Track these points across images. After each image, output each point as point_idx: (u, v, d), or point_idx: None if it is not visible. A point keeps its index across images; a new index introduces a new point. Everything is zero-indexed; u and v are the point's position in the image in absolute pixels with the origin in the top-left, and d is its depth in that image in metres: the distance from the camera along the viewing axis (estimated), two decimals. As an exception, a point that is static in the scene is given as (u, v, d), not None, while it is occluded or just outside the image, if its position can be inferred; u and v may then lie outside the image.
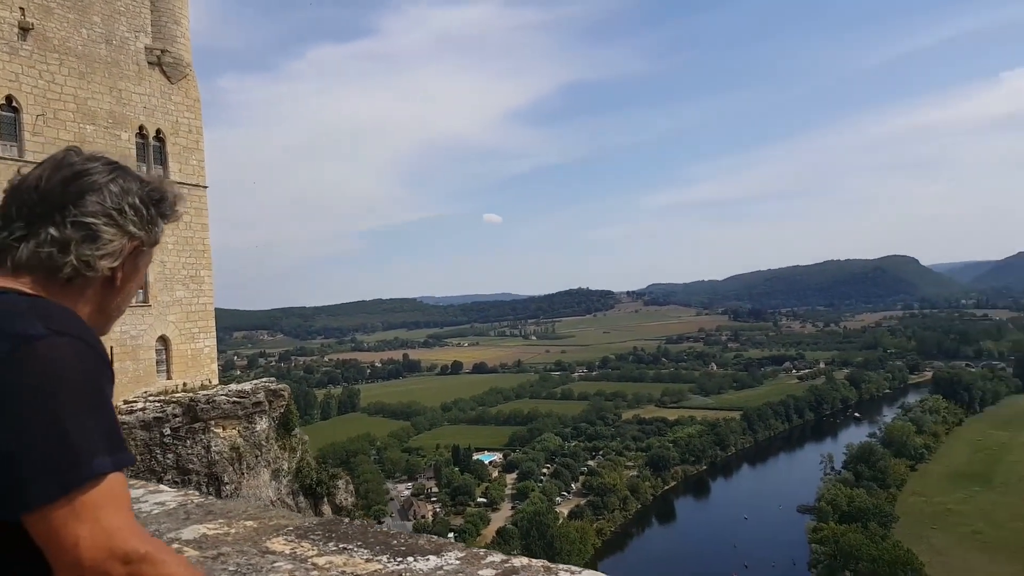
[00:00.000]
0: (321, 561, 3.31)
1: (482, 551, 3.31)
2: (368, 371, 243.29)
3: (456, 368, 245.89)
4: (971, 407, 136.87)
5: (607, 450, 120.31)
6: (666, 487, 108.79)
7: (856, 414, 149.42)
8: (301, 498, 26.83)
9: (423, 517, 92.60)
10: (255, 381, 29.13)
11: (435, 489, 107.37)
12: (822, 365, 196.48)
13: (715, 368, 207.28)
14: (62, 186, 1.45)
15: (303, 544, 3.61)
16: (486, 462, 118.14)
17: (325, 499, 27.67)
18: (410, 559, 3.24)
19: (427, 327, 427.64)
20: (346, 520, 4.07)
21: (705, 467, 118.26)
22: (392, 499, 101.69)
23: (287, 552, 3.50)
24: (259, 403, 25.93)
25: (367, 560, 3.30)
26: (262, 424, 26.03)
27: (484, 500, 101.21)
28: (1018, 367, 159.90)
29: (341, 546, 3.55)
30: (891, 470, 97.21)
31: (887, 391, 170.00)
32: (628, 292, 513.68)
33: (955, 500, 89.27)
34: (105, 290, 1.53)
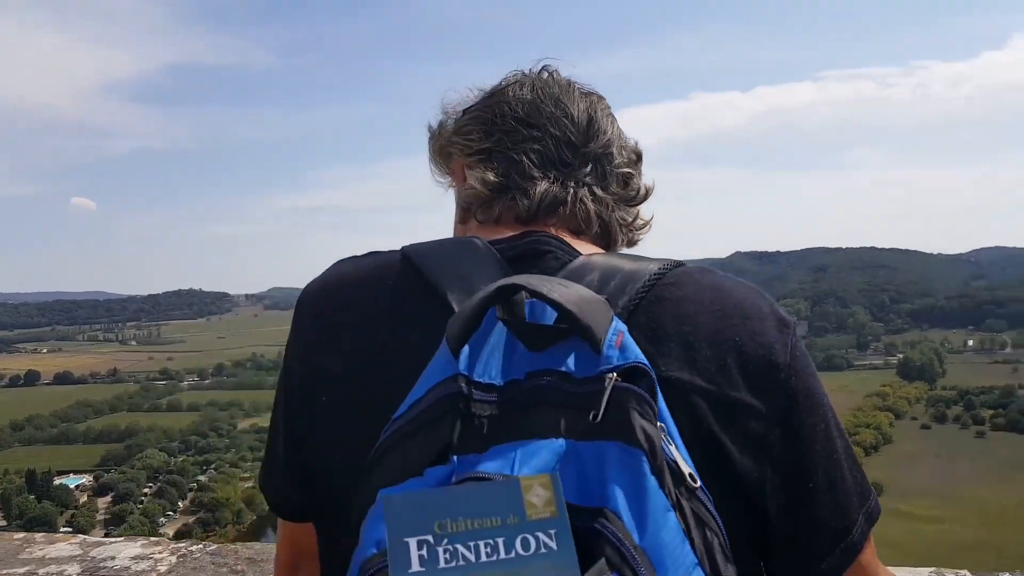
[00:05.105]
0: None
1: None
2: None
3: (32, 378, 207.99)
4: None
5: (220, 463, 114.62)
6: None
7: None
8: None
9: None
10: None
11: (3, 523, 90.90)
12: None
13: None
14: (606, 125, 0.92)
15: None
16: (72, 486, 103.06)
17: None
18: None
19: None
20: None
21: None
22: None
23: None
24: None
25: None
26: None
27: (69, 529, 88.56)
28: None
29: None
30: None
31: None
32: (247, 295, 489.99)
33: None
34: None
